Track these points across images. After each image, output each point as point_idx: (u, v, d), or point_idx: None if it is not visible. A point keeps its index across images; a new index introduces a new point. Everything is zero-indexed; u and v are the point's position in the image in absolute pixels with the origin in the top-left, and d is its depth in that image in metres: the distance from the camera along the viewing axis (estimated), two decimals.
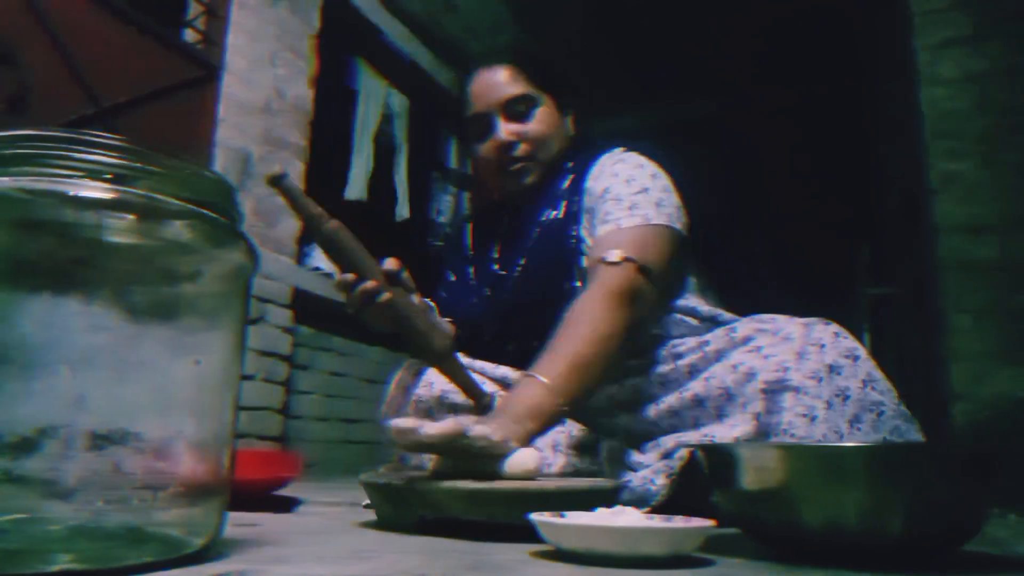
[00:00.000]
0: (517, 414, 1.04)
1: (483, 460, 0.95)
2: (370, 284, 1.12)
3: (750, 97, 5.58)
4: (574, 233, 1.37)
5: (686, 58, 5.26)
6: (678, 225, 1.30)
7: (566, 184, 1.42)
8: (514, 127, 1.39)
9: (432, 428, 0.90)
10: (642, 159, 1.39)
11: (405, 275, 1.17)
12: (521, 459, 0.96)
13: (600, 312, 1.16)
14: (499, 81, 1.41)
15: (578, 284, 1.33)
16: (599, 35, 5.10)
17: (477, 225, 1.60)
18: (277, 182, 1.06)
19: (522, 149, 1.40)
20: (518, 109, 1.39)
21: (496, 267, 1.48)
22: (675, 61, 5.29)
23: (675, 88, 5.55)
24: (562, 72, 1.49)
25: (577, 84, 1.54)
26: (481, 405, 1.19)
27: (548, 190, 1.43)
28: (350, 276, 1.12)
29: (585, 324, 1.15)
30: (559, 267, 1.36)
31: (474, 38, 4.47)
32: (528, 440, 1.03)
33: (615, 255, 1.20)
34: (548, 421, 1.08)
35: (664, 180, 1.35)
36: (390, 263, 1.15)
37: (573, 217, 1.38)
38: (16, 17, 2.05)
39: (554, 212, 1.40)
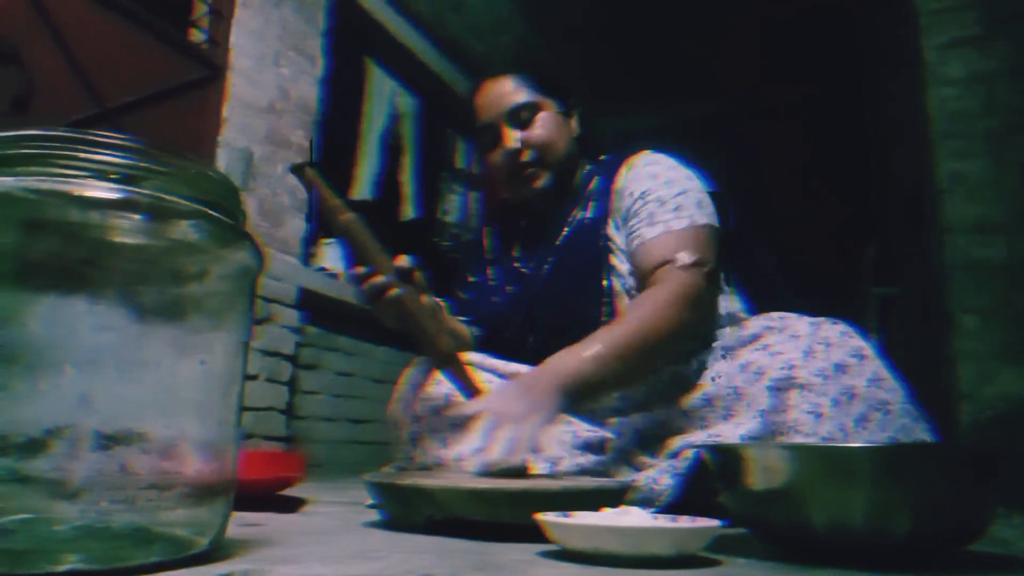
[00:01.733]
0: (552, 371, 1.10)
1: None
2: (379, 278, 1.15)
3: (754, 97, 5.57)
4: (603, 232, 1.40)
5: (689, 58, 5.25)
6: (717, 222, 1.34)
7: (593, 186, 1.46)
8: (519, 133, 1.43)
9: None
10: (673, 160, 1.42)
11: (417, 273, 1.20)
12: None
13: (665, 307, 1.19)
14: (502, 92, 1.45)
15: (605, 283, 1.37)
16: (602, 35, 5.09)
17: (495, 228, 1.63)
18: (299, 171, 1.15)
19: (528, 154, 1.43)
20: (521, 116, 1.43)
21: (519, 266, 1.51)
22: (678, 61, 5.28)
23: (678, 88, 5.54)
24: (562, 77, 1.53)
25: (577, 86, 1.59)
26: None
27: (572, 190, 1.47)
28: (361, 269, 1.16)
29: (647, 315, 1.18)
30: (589, 266, 1.40)
31: (479, 38, 4.47)
32: (557, 398, 1.07)
33: (686, 258, 1.23)
34: (583, 390, 1.11)
35: (698, 181, 1.39)
36: (401, 260, 1.17)
37: (603, 218, 1.41)
38: (20, 17, 2.06)
39: (583, 213, 1.44)
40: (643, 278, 1.29)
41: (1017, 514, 1.39)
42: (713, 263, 1.27)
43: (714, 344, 1.27)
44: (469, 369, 1.20)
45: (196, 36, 2.75)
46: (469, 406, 1.08)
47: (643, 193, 1.35)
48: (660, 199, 1.32)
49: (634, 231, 1.34)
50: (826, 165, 5.60)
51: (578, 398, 1.11)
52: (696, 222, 1.29)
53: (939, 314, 2.57)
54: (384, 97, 3.87)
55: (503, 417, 1.02)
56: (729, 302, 1.41)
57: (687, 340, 1.24)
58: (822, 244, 5.67)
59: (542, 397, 1.05)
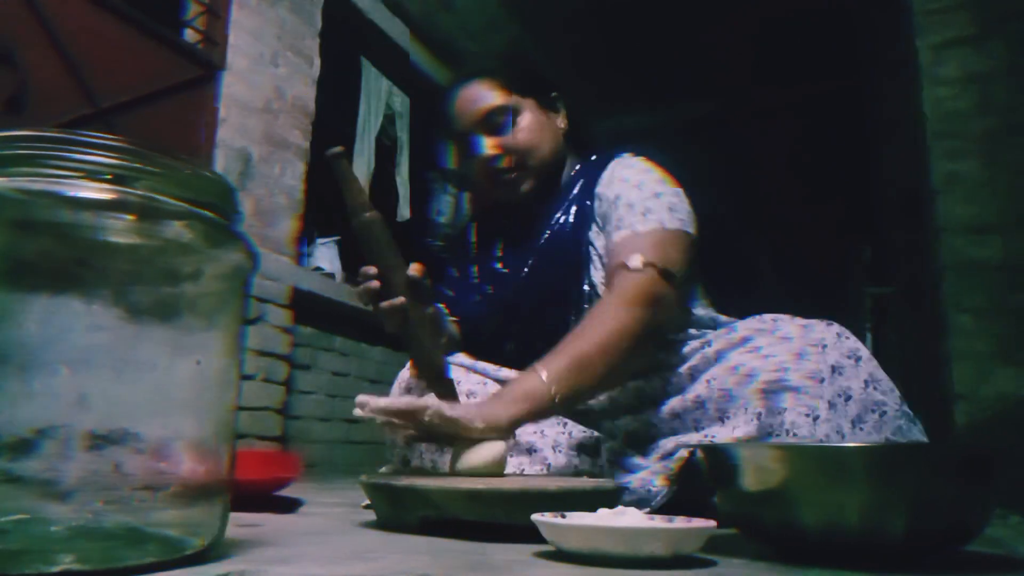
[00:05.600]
0: (507, 397, 1.07)
1: (457, 444, 1.02)
2: (375, 284, 1.12)
3: (750, 97, 5.58)
4: (583, 238, 1.37)
5: (685, 58, 5.25)
6: (691, 229, 1.30)
7: (576, 189, 1.41)
8: (495, 140, 1.38)
9: (390, 400, 0.99)
10: (650, 164, 1.38)
11: (427, 283, 1.17)
12: (483, 451, 1.01)
13: (615, 314, 1.15)
14: (474, 97, 1.39)
15: (585, 288, 1.34)
16: (596, 35, 5.09)
17: (481, 224, 1.60)
18: (332, 160, 1.11)
19: (508, 161, 1.38)
20: (497, 121, 1.38)
21: (500, 266, 1.48)
22: (674, 61, 5.29)
23: (674, 88, 5.55)
24: (539, 71, 1.48)
25: (557, 78, 1.53)
26: None
27: (555, 192, 1.43)
28: (372, 269, 1.13)
29: (598, 325, 1.15)
30: (566, 271, 1.36)
31: (471, 38, 4.47)
32: (514, 422, 1.04)
33: (637, 260, 1.20)
34: (538, 408, 1.07)
35: (673, 185, 1.35)
36: (415, 268, 1.14)
37: (583, 222, 1.38)
38: (15, 16, 2.05)
39: (564, 216, 1.40)
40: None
41: (1012, 514, 1.39)
42: (675, 265, 1.23)
43: (705, 351, 1.25)
44: (452, 386, 1.18)
45: (192, 36, 2.74)
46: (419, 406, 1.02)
47: (616, 198, 1.32)
48: (630, 203, 1.29)
49: (608, 236, 1.31)
50: (822, 165, 5.62)
51: (535, 417, 1.10)
52: (664, 225, 1.26)
53: (934, 314, 2.58)
54: (378, 97, 3.87)
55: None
56: (707, 309, 1.40)
57: (646, 341, 1.19)
58: (817, 244, 5.69)
59: (501, 415, 1.03)
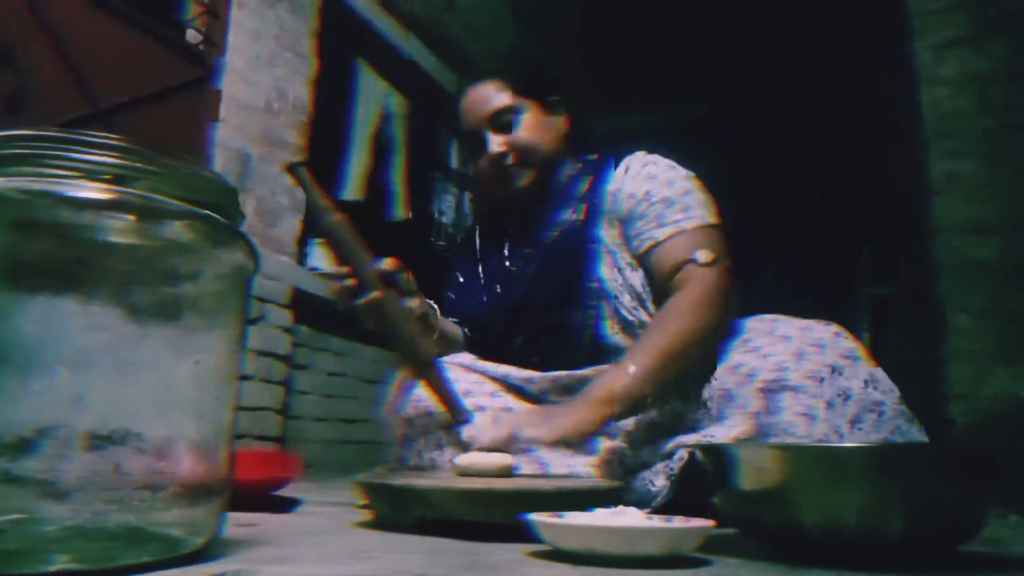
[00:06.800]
0: (597, 399, 1.12)
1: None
2: (353, 281, 1.15)
3: (750, 97, 5.57)
4: (592, 235, 1.39)
5: (686, 58, 5.25)
6: (722, 223, 1.34)
7: (584, 187, 1.44)
8: (502, 138, 1.42)
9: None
10: (670, 161, 1.42)
11: (402, 277, 1.19)
12: (489, 458, 1.03)
13: (695, 309, 1.20)
14: (483, 97, 1.44)
15: (593, 284, 1.36)
16: (599, 36, 5.09)
17: (486, 226, 1.62)
18: (292, 170, 1.14)
19: (512, 157, 1.42)
20: (503, 120, 1.43)
21: (507, 265, 1.50)
22: (675, 61, 5.29)
23: (674, 88, 5.54)
24: (544, 75, 1.52)
25: (571, 84, 1.58)
26: (458, 419, 1.19)
27: (559, 190, 1.46)
28: (342, 270, 1.16)
29: (680, 319, 1.19)
30: (574, 268, 1.39)
31: (474, 39, 4.47)
32: (603, 424, 1.10)
33: (705, 256, 1.25)
34: (629, 408, 1.13)
35: (695, 181, 1.39)
36: (386, 263, 1.17)
37: (593, 219, 1.40)
38: (15, 16, 2.05)
39: (572, 214, 1.43)
40: (661, 280, 1.30)
41: (1012, 514, 1.39)
42: (729, 260, 1.28)
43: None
44: (443, 379, 1.19)
45: (191, 36, 2.74)
46: (496, 429, 1.10)
47: (647, 194, 1.35)
48: (667, 200, 1.33)
49: (642, 233, 1.34)
50: (822, 165, 5.61)
51: (626, 415, 1.14)
52: (706, 222, 1.31)
53: (933, 314, 2.58)
54: (375, 98, 3.86)
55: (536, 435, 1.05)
56: None
57: (718, 338, 1.25)
58: (817, 244, 5.68)
59: (591, 416, 1.09)
